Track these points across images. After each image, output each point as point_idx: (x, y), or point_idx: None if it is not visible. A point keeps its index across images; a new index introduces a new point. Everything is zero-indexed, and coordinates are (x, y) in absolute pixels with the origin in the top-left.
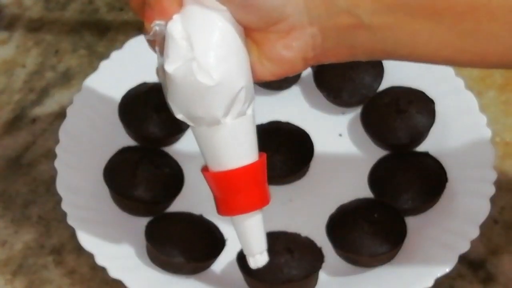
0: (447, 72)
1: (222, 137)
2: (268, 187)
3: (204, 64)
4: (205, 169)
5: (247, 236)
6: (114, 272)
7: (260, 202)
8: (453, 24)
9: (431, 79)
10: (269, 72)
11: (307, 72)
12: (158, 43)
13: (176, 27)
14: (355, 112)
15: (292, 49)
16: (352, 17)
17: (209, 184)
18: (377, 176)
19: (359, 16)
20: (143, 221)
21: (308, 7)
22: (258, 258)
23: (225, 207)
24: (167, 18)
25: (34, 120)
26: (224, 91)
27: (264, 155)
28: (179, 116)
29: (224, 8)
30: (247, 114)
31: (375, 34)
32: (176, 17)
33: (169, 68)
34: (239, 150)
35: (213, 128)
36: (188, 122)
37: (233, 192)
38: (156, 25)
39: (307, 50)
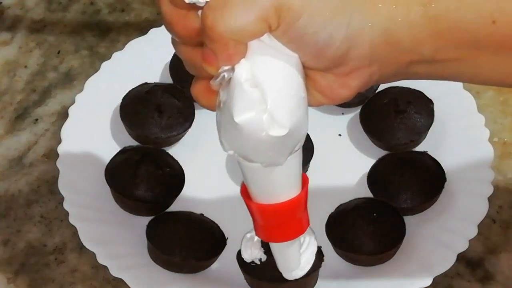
0: None
1: (277, 175)
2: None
3: (277, 118)
4: (248, 198)
5: (285, 258)
6: (116, 271)
7: (303, 228)
8: None
9: None
10: (317, 101)
11: None
12: (222, 85)
13: (244, 74)
14: (354, 112)
15: (349, 87)
16: (415, 55)
17: (252, 214)
18: (376, 176)
19: (422, 53)
20: (144, 220)
21: (371, 51)
22: (294, 273)
23: (269, 235)
24: (233, 64)
25: (36, 120)
26: (292, 141)
27: (307, 181)
28: (230, 152)
29: (295, 54)
30: (300, 148)
31: (436, 66)
32: (244, 62)
33: (238, 118)
34: (290, 185)
35: (269, 168)
36: (239, 160)
37: (280, 223)
38: (223, 71)
39: (362, 86)
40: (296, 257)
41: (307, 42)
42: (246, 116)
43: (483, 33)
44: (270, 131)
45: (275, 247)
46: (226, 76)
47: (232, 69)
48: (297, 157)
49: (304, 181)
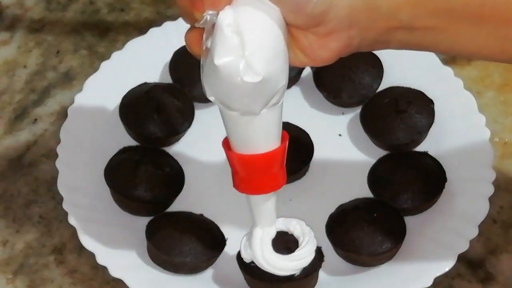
0: (446, 72)
1: (254, 126)
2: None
3: (253, 65)
4: (228, 148)
5: (260, 212)
6: (115, 272)
7: (279, 183)
8: (497, 29)
9: (430, 79)
10: (300, 61)
11: (307, 72)
12: (206, 30)
13: (227, 20)
14: (354, 112)
15: (329, 49)
16: (394, 21)
17: (231, 162)
18: (376, 176)
19: (401, 20)
20: (144, 221)
21: (350, 13)
22: (268, 231)
23: (245, 185)
24: (218, 9)
25: (35, 120)
26: (267, 90)
27: (287, 137)
28: (211, 98)
29: (277, 8)
30: (280, 103)
31: (414, 34)
32: (228, 9)
33: (218, 61)
34: (268, 137)
35: (247, 117)
36: (219, 105)
37: (257, 174)
38: (207, 14)
39: (342, 49)
40: (270, 213)
41: None
42: (225, 60)
43: (458, 2)
44: (244, 77)
45: (251, 200)
46: (208, 18)
47: (216, 14)
48: (275, 111)
49: (284, 137)
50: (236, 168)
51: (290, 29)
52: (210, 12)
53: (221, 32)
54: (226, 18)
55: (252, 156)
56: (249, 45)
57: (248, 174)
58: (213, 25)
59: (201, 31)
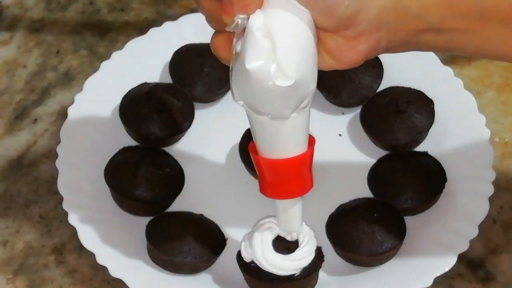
0: (446, 72)
1: (284, 130)
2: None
3: (284, 68)
4: (255, 152)
5: (287, 217)
6: (115, 272)
7: (306, 188)
8: None
9: (430, 79)
10: (327, 64)
11: None
12: (236, 34)
13: (257, 23)
14: (354, 112)
15: (357, 51)
16: (422, 23)
17: (258, 167)
18: (376, 176)
19: (430, 22)
20: (144, 221)
21: (379, 15)
22: (294, 236)
23: (272, 190)
24: (249, 13)
25: (35, 120)
26: (298, 94)
27: (313, 141)
28: (239, 102)
29: (307, 10)
30: (308, 106)
31: (443, 36)
32: (258, 12)
33: (249, 65)
34: (297, 141)
35: (276, 121)
36: (247, 110)
37: (284, 179)
38: (238, 18)
39: (370, 51)
40: (297, 217)
41: None
42: (256, 64)
43: (488, 3)
44: (276, 81)
45: (278, 204)
46: (239, 22)
47: (247, 18)
48: (304, 114)
49: (311, 141)
50: (263, 173)
51: (318, 32)
52: (241, 16)
53: (252, 36)
54: (257, 21)
55: (281, 160)
56: (280, 48)
57: (276, 179)
58: (244, 29)
59: (228, 35)
